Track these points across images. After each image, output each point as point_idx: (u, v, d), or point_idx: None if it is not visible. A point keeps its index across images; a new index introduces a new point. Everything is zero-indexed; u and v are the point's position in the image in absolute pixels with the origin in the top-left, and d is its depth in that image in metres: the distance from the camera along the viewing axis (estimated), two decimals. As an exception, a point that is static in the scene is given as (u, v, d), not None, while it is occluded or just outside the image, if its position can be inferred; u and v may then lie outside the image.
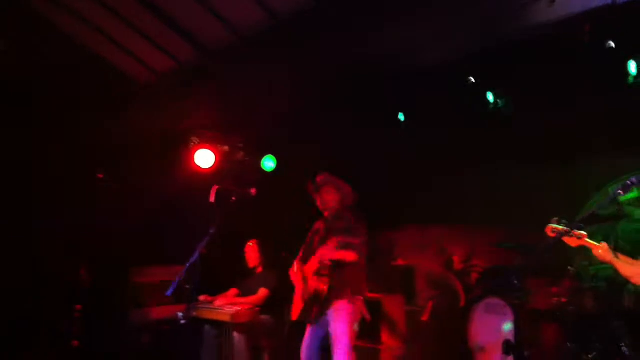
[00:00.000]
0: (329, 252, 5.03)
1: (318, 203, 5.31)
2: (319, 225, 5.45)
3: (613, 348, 5.17)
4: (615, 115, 6.01)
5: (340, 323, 4.95)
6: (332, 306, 5.01)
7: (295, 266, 5.40)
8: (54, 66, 6.73)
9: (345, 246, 5.01)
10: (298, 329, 5.43)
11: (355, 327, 5.03)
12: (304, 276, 5.29)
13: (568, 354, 5.28)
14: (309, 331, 5.21)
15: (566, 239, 4.06)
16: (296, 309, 5.32)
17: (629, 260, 3.95)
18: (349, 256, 4.96)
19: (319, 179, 5.32)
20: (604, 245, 4.02)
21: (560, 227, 4.05)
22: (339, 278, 5.00)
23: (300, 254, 5.45)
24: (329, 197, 5.24)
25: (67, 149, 7.23)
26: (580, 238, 4.01)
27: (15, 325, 6.80)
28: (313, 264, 5.19)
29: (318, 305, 5.04)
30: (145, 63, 7.07)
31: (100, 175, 7.42)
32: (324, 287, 5.01)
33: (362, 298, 5.10)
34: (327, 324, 5.04)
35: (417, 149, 7.47)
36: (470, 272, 6.64)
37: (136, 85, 7.27)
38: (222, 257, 6.77)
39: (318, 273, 5.13)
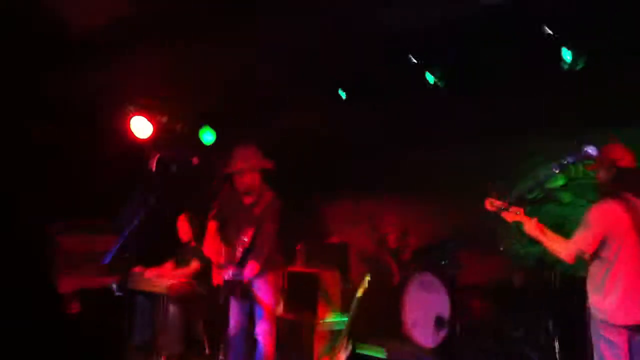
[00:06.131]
0: (237, 272, 5.11)
1: (237, 184, 5.24)
2: (230, 192, 5.41)
3: (539, 324, 5.44)
4: (549, 99, 6.23)
5: (265, 296, 5.16)
6: (255, 281, 5.16)
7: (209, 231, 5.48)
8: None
9: (252, 246, 5.10)
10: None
11: (279, 297, 5.42)
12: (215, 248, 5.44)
13: (496, 329, 5.52)
14: (235, 305, 5.32)
15: (503, 214, 4.17)
16: (216, 278, 5.46)
17: (556, 237, 4.09)
18: (254, 270, 5.05)
19: (236, 164, 5.20)
20: (535, 220, 4.14)
21: (499, 202, 4.17)
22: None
23: (214, 213, 5.48)
24: (247, 181, 5.19)
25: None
26: (518, 214, 4.14)
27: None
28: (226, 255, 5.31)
29: (237, 287, 5.19)
30: (82, 12, 6.74)
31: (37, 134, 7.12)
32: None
33: (280, 271, 5.42)
34: (251, 297, 5.21)
35: (352, 125, 7.54)
36: (404, 250, 6.79)
37: (71, 36, 6.93)
38: (160, 227, 6.69)
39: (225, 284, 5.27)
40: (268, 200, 5.22)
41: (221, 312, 5.43)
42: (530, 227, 4.10)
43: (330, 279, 6.06)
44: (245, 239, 5.08)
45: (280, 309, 6.32)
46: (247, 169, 5.15)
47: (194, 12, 5.96)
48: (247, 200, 5.28)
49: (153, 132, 7.43)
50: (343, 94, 7.28)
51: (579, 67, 5.78)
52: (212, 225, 5.47)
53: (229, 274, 5.11)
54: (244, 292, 5.14)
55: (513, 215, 4.14)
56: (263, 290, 5.16)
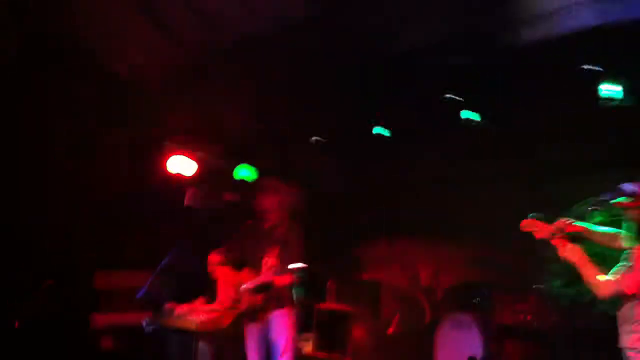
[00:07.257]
0: (270, 278, 5.06)
1: (257, 203, 5.29)
2: (251, 224, 5.42)
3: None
4: (584, 138, 6.15)
5: (284, 332, 5.09)
6: (272, 315, 5.12)
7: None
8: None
9: (281, 262, 5.07)
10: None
11: (296, 334, 5.23)
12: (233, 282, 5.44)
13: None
14: (252, 338, 5.27)
15: (540, 235, 4.01)
16: (227, 317, 5.56)
17: (594, 270, 3.97)
18: (286, 280, 5.00)
19: (262, 181, 5.38)
20: (577, 246, 4.01)
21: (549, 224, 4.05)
22: (276, 291, 5.11)
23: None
24: (267, 200, 5.23)
25: (41, 146, 7.09)
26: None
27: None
28: (249, 278, 5.23)
29: (255, 315, 5.18)
30: (130, 62, 6.95)
31: None
32: (258, 300, 5.12)
33: (298, 307, 5.28)
34: (268, 332, 5.15)
35: (385, 165, 7.55)
36: (436, 289, 6.72)
37: (120, 84, 7.13)
38: (192, 264, 6.74)
39: (254, 290, 5.18)
40: (288, 224, 5.24)
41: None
42: (571, 250, 3.98)
43: (361, 317, 5.99)
44: (272, 261, 5.08)
45: (309, 347, 6.29)
46: (270, 188, 5.24)
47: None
48: (268, 222, 5.28)
49: (197, 170, 7.48)
50: (387, 132, 7.24)
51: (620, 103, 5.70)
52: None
53: (267, 275, 5.02)
54: (263, 317, 5.13)
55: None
56: (281, 325, 5.10)
